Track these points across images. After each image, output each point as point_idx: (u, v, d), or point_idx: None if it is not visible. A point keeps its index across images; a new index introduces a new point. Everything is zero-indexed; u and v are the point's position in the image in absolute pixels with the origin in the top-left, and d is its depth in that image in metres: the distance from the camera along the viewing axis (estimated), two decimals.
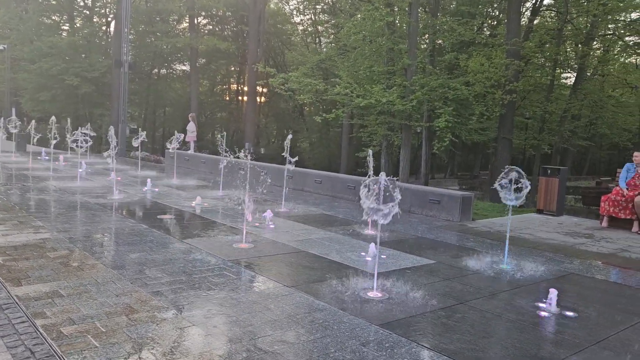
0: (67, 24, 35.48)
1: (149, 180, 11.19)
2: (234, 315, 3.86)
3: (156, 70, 41.82)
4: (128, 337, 3.33)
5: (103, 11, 36.70)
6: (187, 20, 35.95)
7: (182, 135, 13.00)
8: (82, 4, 35.56)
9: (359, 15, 20.59)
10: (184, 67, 42.15)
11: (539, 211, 10.17)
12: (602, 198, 8.97)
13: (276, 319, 3.82)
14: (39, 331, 3.36)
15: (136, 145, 12.69)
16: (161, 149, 35.81)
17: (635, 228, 8.44)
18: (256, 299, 4.27)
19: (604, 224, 8.86)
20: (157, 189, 10.83)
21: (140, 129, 13.35)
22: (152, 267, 4.98)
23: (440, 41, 22.36)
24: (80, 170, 12.64)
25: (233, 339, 3.43)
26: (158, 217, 7.79)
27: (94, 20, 36.26)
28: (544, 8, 25.24)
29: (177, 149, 13.32)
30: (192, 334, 3.46)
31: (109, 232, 6.57)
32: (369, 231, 7.39)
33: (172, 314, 3.79)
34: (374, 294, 4.49)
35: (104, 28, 37.32)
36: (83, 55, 32.26)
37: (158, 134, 45.17)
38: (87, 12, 35.55)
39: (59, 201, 8.80)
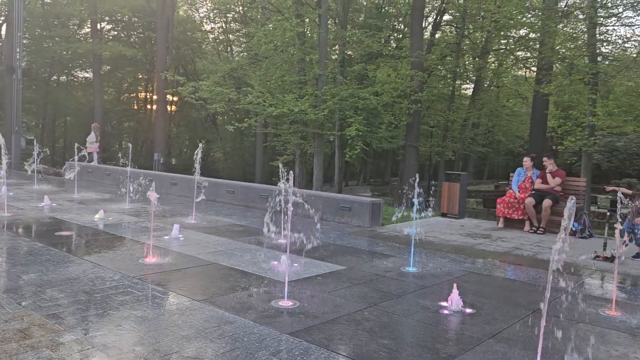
0: None
1: (46, 194, 10.43)
2: (139, 334, 3.70)
3: (55, 77, 39.17)
4: None
5: None
6: (89, 25, 34.08)
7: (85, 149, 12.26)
8: None
9: (270, 25, 20.71)
10: (86, 75, 39.82)
11: (443, 214, 10.74)
12: (498, 200, 9.67)
13: (184, 334, 3.71)
14: None
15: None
16: (61, 161, 33.54)
17: (526, 227, 9.17)
18: (163, 316, 4.13)
19: (500, 224, 9.54)
20: (54, 204, 10.12)
21: (35, 140, 12.34)
22: (48, 289, 4.64)
23: (349, 52, 23.07)
24: None
25: (139, 358, 3.28)
26: (56, 234, 7.28)
27: None
28: (444, 23, 26.89)
29: (80, 160, 12.54)
30: (92, 358, 3.26)
31: None
32: (281, 240, 7.40)
33: (71, 338, 3.55)
34: (285, 302, 4.50)
35: None
36: None
37: (58, 145, 42.31)
38: None
39: None
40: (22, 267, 5.37)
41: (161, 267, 5.64)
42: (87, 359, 3.23)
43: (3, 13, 32.27)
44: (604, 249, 7.06)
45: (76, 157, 12.21)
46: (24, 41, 26.78)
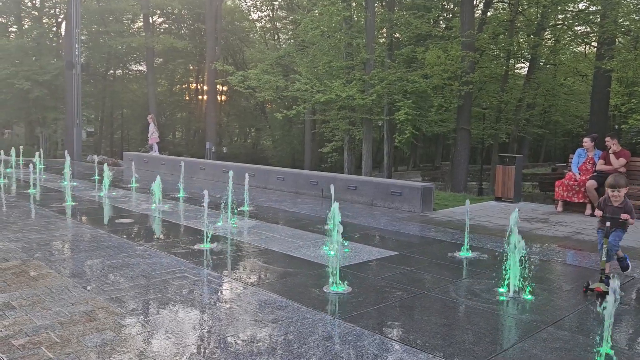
0: (14, 26, 34.06)
1: (106, 183, 10.88)
2: (196, 317, 3.80)
3: (112, 71, 40.72)
4: (85, 346, 3.23)
5: (53, 11, 35.38)
6: (142, 20, 35.11)
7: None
8: (29, 4, 34.21)
9: (316, 11, 20.61)
10: (140, 67, 41.20)
11: (497, 199, 10.42)
12: (556, 183, 9.27)
13: (240, 318, 3.78)
14: None
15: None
16: (119, 151, 34.93)
17: (587, 211, 8.76)
18: (219, 300, 4.22)
19: (559, 208, 9.16)
20: (114, 193, 10.56)
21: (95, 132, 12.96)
22: (110, 273, 4.84)
23: (397, 35, 22.63)
24: (33, 175, 12.21)
25: (197, 341, 3.37)
26: (116, 221, 7.59)
27: (44, 21, 34.93)
28: (497, 0, 25.83)
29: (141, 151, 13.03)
30: (152, 340, 3.38)
31: (63, 239, 6.36)
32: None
33: (131, 320, 3.70)
34: (337, 288, 4.49)
35: (54, 29, 36.02)
36: (33, 58, 31.04)
37: (116, 137, 44.08)
38: (36, 13, 34.19)
39: (10, 208, 8.47)
40: (85, 253, 5.63)
41: (215, 252, 5.77)
42: (147, 341, 3.35)
43: (62, 11, 33.71)
44: (602, 276, 4.50)
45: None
46: (82, 37, 27.93)
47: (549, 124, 33.81)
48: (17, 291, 4.26)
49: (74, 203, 9.16)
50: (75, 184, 11.80)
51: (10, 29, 34.11)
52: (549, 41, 25.48)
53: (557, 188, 9.19)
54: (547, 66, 27.30)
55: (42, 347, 3.22)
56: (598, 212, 4.81)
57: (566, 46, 25.49)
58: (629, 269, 5.07)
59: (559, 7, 21.35)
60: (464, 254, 5.92)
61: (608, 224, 4.55)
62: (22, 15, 33.72)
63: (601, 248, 4.56)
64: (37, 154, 12.70)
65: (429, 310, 4.08)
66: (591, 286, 4.52)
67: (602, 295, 4.31)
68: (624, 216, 4.59)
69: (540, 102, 27.34)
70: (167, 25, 39.20)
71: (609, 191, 4.68)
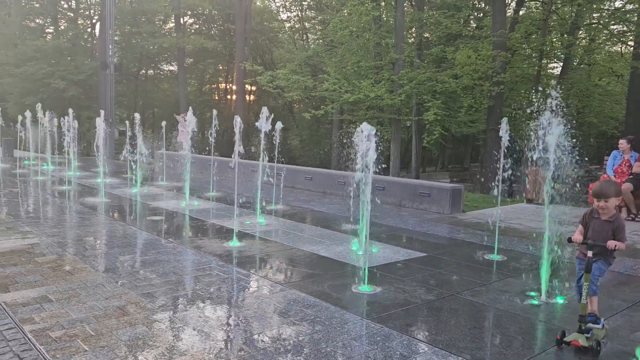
0: (51, 27, 35.08)
1: (138, 182, 11.11)
2: (225, 314, 3.86)
3: (143, 71, 41.50)
4: (118, 340, 3.31)
5: (87, 13, 36.31)
6: (173, 20, 35.69)
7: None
8: (65, 6, 35.18)
9: (345, 11, 20.59)
10: (171, 68, 41.85)
11: (529, 201, 10.23)
12: (590, 186, 9.03)
13: (268, 316, 3.82)
14: (27, 337, 3.33)
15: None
16: (150, 150, 35.54)
17: (623, 215, 8.51)
18: (247, 297, 4.27)
19: None
20: (146, 191, 10.77)
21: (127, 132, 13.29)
22: (142, 269, 4.95)
23: (427, 35, 22.41)
24: (68, 173, 12.55)
25: (225, 337, 3.42)
26: (148, 218, 7.75)
27: (79, 22, 35.86)
28: None
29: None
30: (182, 335, 3.44)
31: (98, 235, 6.52)
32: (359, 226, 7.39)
33: (163, 315, 3.77)
34: (365, 288, 4.49)
35: (89, 30, 36.96)
36: (69, 58, 31.90)
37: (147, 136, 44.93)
38: (71, 14, 35.14)
39: (47, 205, 8.73)
40: (118, 249, 5.76)
41: (244, 251, 5.83)
42: (178, 336, 3.41)
43: (97, 12, 34.58)
44: (582, 324, 3.41)
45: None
46: (115, 38, 28.55)
47: (582, 126, 32.94)
48: (54, 285, 4.40)
49: (107, 200, 9.39)
50: (108, 181, 12.09)
51: (47, 30, 35.13)
52: (584, 40, 24.83)
53: (590, 191, 8.96)
54: (581, 66, 26.63)
55: (77, 339, 3.31)
56: (577, 237, 3.62)
57: (601, 46, 24.78)
58: (600, 326, 3.48)
59: (594, 6, 20.78)
60: (494, 256, 5.83)
61: (590, 253, 3.45)
62: (59, 17, 34.69)
63: (579, 284, 3.54)
64: (70, 151, 12.99)
65: (457, 312, 4.04)
66: (567, 338, 3.38)
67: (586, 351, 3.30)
68: (610, 244, 3.42)
69: (573, 102, 26.67)
70: (197, 26, 39.74)
71: (594, 201, 3.65)
